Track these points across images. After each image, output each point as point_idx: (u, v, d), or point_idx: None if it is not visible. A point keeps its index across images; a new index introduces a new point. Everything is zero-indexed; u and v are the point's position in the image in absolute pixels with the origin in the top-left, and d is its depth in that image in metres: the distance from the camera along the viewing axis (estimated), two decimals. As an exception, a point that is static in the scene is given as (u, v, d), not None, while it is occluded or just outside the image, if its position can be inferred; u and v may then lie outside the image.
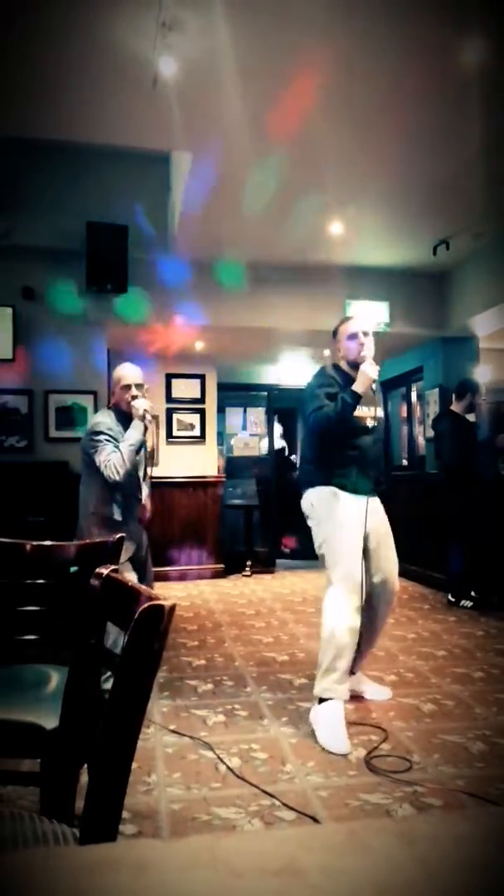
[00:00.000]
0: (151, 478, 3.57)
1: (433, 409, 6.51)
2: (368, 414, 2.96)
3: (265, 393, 8.12)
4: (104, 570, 1.20)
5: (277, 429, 8.78)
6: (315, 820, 2.08)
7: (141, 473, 3.30)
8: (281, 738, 2.72)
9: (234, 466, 7.49)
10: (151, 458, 3.56)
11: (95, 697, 1.26)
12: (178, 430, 7.09)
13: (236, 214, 4.76)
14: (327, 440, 2.91)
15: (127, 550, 3.09)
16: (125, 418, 3.20)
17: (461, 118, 3.57)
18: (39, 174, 5.21)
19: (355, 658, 2.89)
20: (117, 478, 3.04)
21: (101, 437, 3.08)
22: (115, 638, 1.39)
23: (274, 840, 0.47)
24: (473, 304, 5.85)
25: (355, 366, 2.90)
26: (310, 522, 2.98)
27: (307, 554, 7.71)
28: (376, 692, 3.18)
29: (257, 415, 8.45)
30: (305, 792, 2.26)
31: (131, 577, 3.14)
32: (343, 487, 2.89)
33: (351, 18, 2.91)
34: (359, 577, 2.82)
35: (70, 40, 3.17)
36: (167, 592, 5.53)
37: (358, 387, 2.82)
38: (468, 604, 5.17)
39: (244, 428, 8.42)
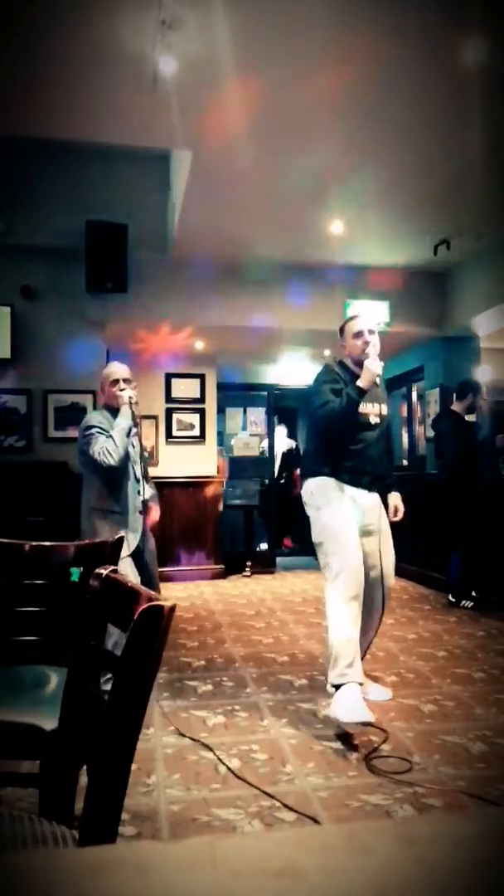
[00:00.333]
0: (153, 478, 3.60)
1: (433, 409, 6.51)
2: (373, 410, 3.01)
3: (265, 393, 8.13)
4: (104, 571, 1.20)
5: (282, 430, 8.79)
6: (315, 821, 2.08)
7: (138, 471, 3.32)
8: (281, 738, 2.72)
9: (234, 466, 7.49)
10: (151, 457, 3.59)
11: (95, 698, 1.25)
12: (177, 430, 7.07)
13: (236, 213, 4.76)
14: (332, 435, 2.94)
15: (129, 543, 3.14)
16: (116, 415, 3.27)
17: (463, 117, 3.57)
18: (39, 173, 5.21)
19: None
20: (112, 461, 3.09)
21: (93, 430, 3.17)
22: (116, 639, 1.39)
23: (274, 841, 0.46)
24: (474, 304, 5.85)
25: (360, 363, 2.93)
26: (308, 510, 3.01)
27: (307, 551, 7.73)
28: (377, 693, 3.17)
29: (257, 415, 8.45)
30: (305, 793, 2.25)
31: (131, 571, 3.15)
32: (343, 480, 2.92)
33: (351, 17, 2.91)
34: (356, 564, 2.83)
35: (70, 39, 3.17)
36: (167, 593, 5.52)
37: (362, 382, 2.85)
38: (469, 604, 5.17)
39: (244, 428, 8.42)
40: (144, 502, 3.35)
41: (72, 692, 1.30)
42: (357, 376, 2.90)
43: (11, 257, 5.34)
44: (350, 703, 2.65)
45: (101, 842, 0.92)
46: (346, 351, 3.07)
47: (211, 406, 7.24)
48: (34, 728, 1.46)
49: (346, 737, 2.69)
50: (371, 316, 3.28)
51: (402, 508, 3.19)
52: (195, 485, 6.82)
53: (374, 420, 3.02)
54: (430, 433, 6.24)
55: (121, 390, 3.29)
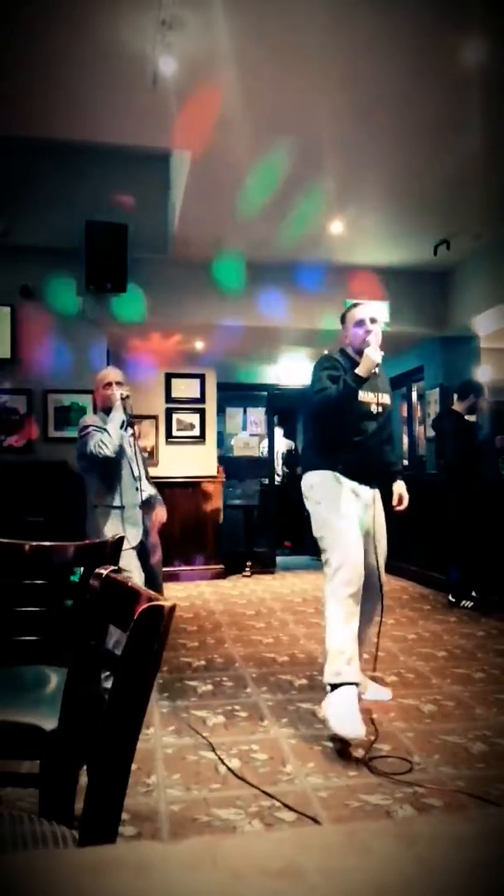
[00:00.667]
0: (153, 478, 3.62)
1: (434, 408, 6.50)
2: (373, 399, 2.98)
3: (265, 393, 8.12)
4: (104, 571, 1.20)
5: (279, 431, 8.78)
6: (315, 821, 2.08)
7: (135, 468, 3.36)
8: (281, 738, 2.72)
9: (235, 466, 7.49)
10: (151, 457, 3.64)
11: (95, 698, 1.25)
12: (177, 430, 7.07)
13: (236, 213, 4.76)
14: (330, 424, 2.93)
15: (132, 538, 3.21)
16: None
17: (462, 117, 3.57)
18: (38, 173, 5.20)
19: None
20: (107, 452, 3.19)
21: (89, 429, 3.27)
22: (117, 639, 1.39)
23: (274, 841, 0.46)
24: (474, 304, 5.85)
25: (361, 352, 2.91)
26: (308, 504, 2.99)
27: (306, 550, 7.73)
28: (377, 693, 3.17)
29: (257, 415, 8.44)
30: (305, 793, 2.25)
31: (135, 566, 3.18)
32: (344, 472, 2.90)
33: (351, 17, 2.91)
34: (356, 559, 2.81)
35: (70, 39, 3.17)
36: (167, 593, 5.52)
37: (361, 370, 2.83)
38: (469, 604, 5.17)
39: (244, 428, 8.42)
40: (147, 500, 3.38)
41: (72, 692, 1.30)
42: (357, 364, 2.88)
43: (11, 257, 5.33)
44: (343, 713, 2.61)
45: (101, 842, 0.92)
46: (347, 339, 3.05)
47: (211, 406, 7.24)
48: (34, 728, 1.46)
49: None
50: (374, 306, 3.27)
51: (406, 497, 3.13)
52: (195, 485, 6.82)
53: (374, 409, 2.99)
54: (431, 433, 6.24)
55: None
